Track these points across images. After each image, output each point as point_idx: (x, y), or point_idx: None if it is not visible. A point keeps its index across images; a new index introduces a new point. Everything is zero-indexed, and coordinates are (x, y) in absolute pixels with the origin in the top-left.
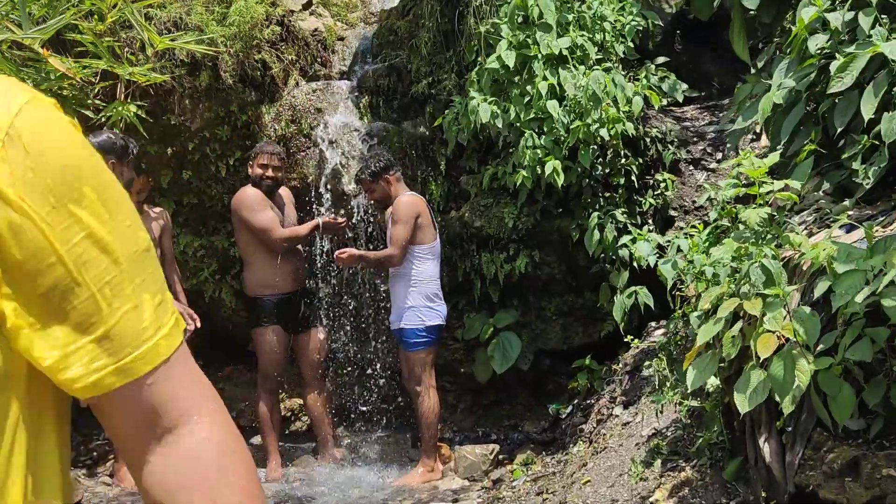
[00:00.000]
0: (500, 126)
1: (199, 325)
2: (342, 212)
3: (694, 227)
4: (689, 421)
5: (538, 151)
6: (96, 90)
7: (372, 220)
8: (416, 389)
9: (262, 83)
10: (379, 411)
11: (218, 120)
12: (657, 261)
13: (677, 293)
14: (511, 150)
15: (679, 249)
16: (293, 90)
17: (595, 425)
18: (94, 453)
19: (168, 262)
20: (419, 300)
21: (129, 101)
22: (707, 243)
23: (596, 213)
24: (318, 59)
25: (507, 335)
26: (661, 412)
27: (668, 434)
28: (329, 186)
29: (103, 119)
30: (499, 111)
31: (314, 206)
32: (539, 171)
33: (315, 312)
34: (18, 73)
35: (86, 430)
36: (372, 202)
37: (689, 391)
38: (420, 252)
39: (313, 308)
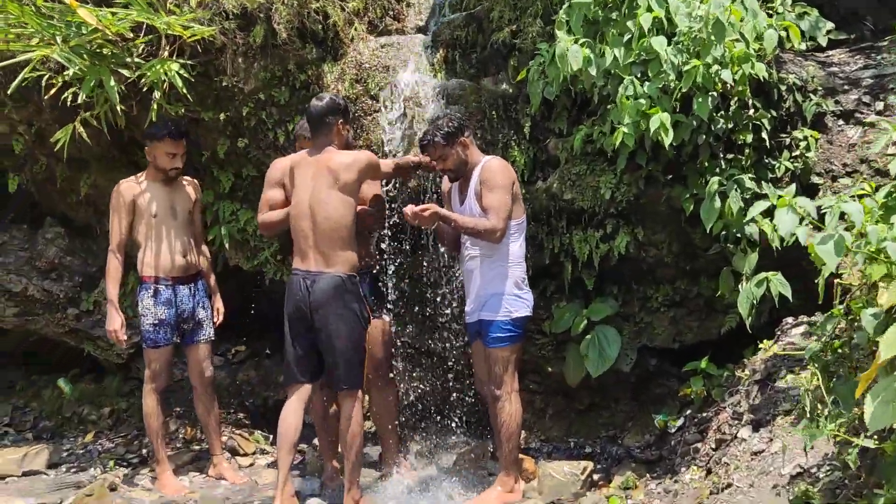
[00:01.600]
0: (594, 74)
1: (220, 318)
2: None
3: (861, 189)
4: (857, 464)
5: (641, 102)
6: (139, 47)
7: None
8: (496, 393)
9: (324, 38)
10: (452, 414)
11: (274, 81)
12: (805, 237)
13: (836, 281)
14: (609, 105)
15: (842, 217)
16: (358, 45)
17: (714, 447)
18: (144, 451)
19: (198, 240)
20: (506, 287)
21: (173, 59)
22: (884, 210)
23: (717, 179)
24: (391, 13)
25: (604, 330)
26: (811, 445)
27: (822, 477)
28: (398, 153)
29: (139, 78)
30: (593, 56)
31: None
32: (642, 128)
33: (380, 298)
34: (48, 29)
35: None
36: (442, 172)
37: (860, 424)
38: (512, 227)
39: (378, 293)
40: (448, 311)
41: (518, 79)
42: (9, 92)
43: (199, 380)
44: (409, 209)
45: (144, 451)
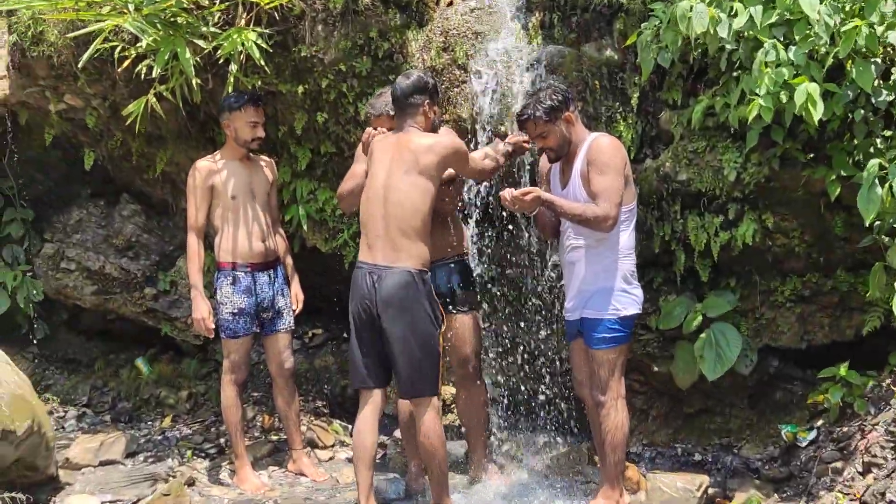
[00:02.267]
0: (725, 36)
1: (300, 306)
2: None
3: None
4: None
5: (783, 71)
6: (215, 16)
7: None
8: (600, 399)
9: (409, 2)
10: (545, 412)
11: (356, 50)
12: None
13: None
14: (735, 73)
15: None
16: (446, 10)
17: (860, 470)
18: (222, 440)
19: (276, 223)
20: (614, 281)
21: (250, 28)
22: None
23: (876, 161)
24: None
25: (722, 327)
26: None
27: None
28: (489, 129)
29: (215, 50)
30: (723, 16)
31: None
32: (783, 99)
33: (471, 289)
34: None
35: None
36: (542, 150)
37: None
38: (622, 214)
39: (470, 283)
40: (538, 302)
41: (627, 44)
42: (80, 64)
43: (279, 371)
44: (508, 193)
45: (222, 440)
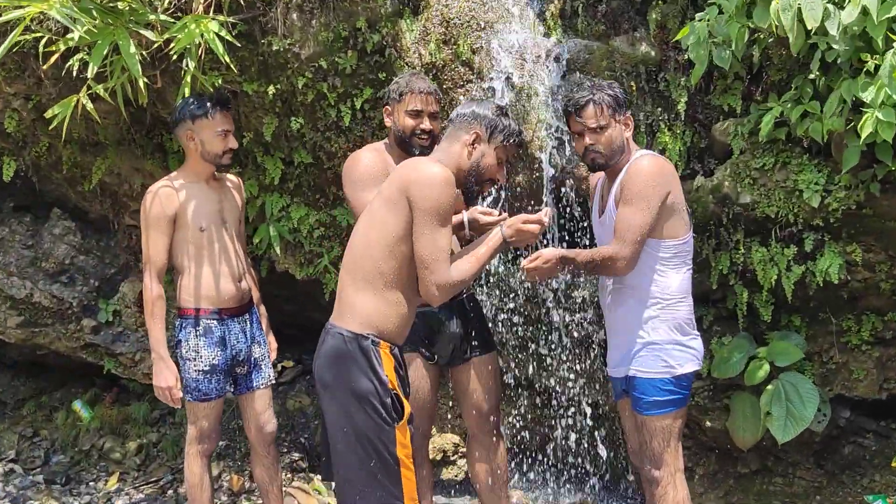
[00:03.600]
0: (834, 33)
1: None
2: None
3: None
4: None
5: None
6: (166, 1)
7: (574, 198)
8: (655, 475)
9: None
10: (573, 466)
11: (339, 43)
12: None
13: None
14: (812, 76)
15: None
16: None
17: None
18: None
19: (246, 255)
20: (665, 332)
21: (210, 17)
22: None
23: None
24: None
25: (792, 378)
26: None
27: None
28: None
29: (166, 43)
30: (832, 8)
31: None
32: None
33: (481, 333)
34: None
35: (176, 465)
36: (586, 152)
37: None
38: (668, 250)
39: (476, 326)
40: (566, 342)
41: (678, 38)
42: None
43: (260, 437)
44: (524, 265)
45: None
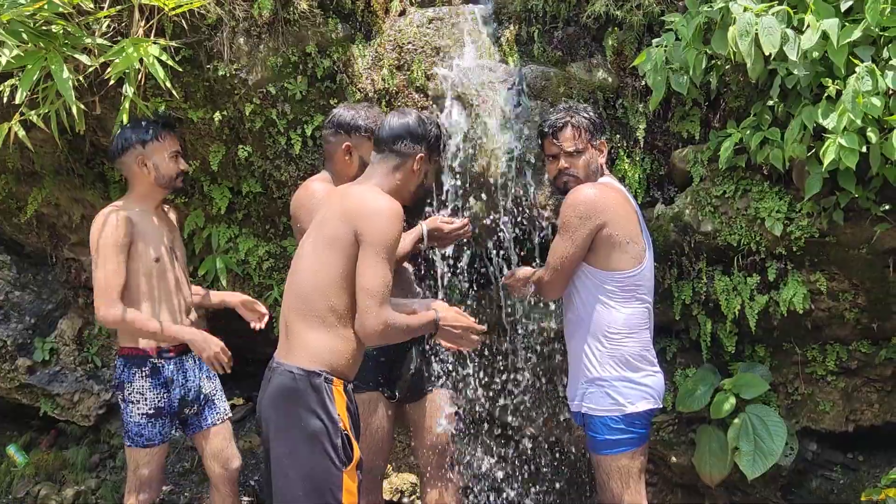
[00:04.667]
0: (794, 58)
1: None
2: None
3: None
4: None
5: (875, 103)
6: (104, 24)
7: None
8: None
9: (353, 10)
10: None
11: (288, 68)
12: None
13: None
14: (770, 103)
15: None
16: (398, 21)
17: None
18: None
19: (185, 284)
20: (611, 368)
21: (151, 40)
22: None
23: None
24: None
25: (759, 411)
26: None
27: None
28: (457, 168)
29: (104, 67)
30: (791, 33)
31: (432, 199)
32: (873, 139)
33: (431, 369)
34: None
35: None
36: (563, 177)
37: None
38: (613, 283)
39: (429, 362)
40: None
41: (636, 64)
42: None
43: (224, 476)
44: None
45: None
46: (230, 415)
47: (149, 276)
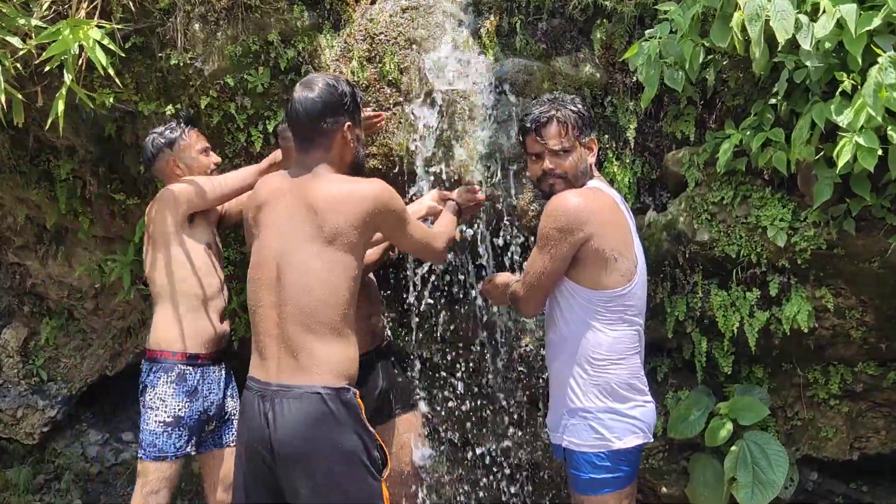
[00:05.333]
0: (807, 47)
1: None
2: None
3: None
4: None
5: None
6: (42, 4)
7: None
8: None
9: None
10: None
11: (248, 58)
12: None
13: None
14: (773, 101)
15: None
16: (370, 9)
17: None
18: None
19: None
20: (595, 398)
21: (94, 21)
22: None
23: None
24: None
25: (759, 439)
26: None
27: None
28: (430, 167)
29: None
30: (804, 20)
31: (406, 198)
32: (894, 139)
33: (405, 387)
34: None
35: None
36: (544, 176)
37: None
38: (597, 303)
39: (397, 382)
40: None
41: (625, 57)
42: None
43: (224, 500)
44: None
45: None
46: None
47: (189, 268)
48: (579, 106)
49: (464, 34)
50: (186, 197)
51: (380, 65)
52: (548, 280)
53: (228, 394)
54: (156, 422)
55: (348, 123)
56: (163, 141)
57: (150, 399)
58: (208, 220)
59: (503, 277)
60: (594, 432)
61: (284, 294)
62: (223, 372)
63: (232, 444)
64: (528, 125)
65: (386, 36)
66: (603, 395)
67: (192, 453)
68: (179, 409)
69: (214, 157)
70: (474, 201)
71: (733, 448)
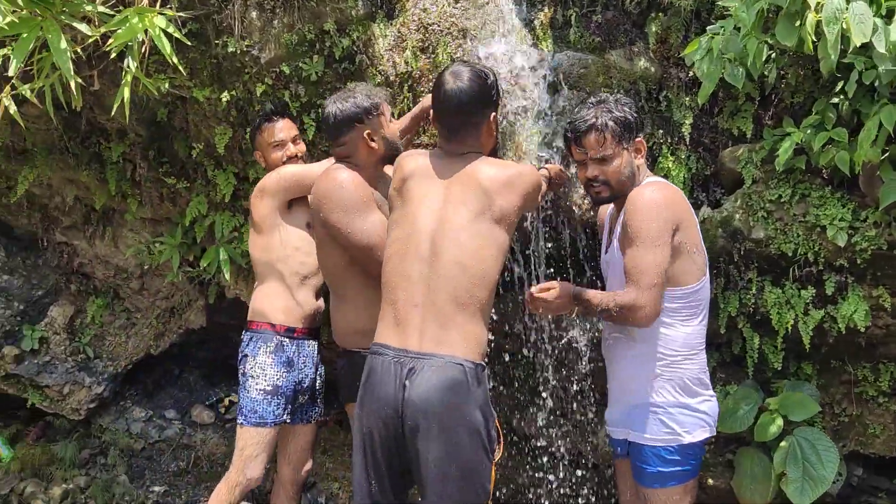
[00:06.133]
0: (883, 50)
1: None
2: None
3: None
4: None
5: None
6: None
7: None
8: None
9: None
10: None
11: (303, 47)
12: None
13: None
14: (835, 100)
15: None
16: (422, 0)
17: None
18: None
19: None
20: (669, 394)
21: (157, 10)
22: None
23: None
24: None
25: (809, 435)
26: None
27: None
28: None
29: (104, 39)
30: (879, 22)
31: None
32: None
33: None
34: None
35: None
36: (589, 184)
37: None
38: (674, 300)
39: None
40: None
41: (686, 53)
42: None
43: (294, 476)
44: (533, 291)
45: None
46: (323, 417)
47: (291, 242)
48: (626, 110)
49: (517, 26)
50: (285, 185)
51: (433, 55)
52: (663, 276)
53: (320, 371)
54: (256, 389)
55: (494, 114)
56: (251, 136)
57: (251, 367)
58: (306, 201)
59: (566, 287)
60: (665, 427)
61: (439, 268)
62: (316, 348)
63: (312, 422)
64: (569, 134)
65: (439, 26)
66: (676, 391)
67: (288, 422)
68: (278, 379)
69: (290, 150)
70: (562, 178)
71: (783, 444)
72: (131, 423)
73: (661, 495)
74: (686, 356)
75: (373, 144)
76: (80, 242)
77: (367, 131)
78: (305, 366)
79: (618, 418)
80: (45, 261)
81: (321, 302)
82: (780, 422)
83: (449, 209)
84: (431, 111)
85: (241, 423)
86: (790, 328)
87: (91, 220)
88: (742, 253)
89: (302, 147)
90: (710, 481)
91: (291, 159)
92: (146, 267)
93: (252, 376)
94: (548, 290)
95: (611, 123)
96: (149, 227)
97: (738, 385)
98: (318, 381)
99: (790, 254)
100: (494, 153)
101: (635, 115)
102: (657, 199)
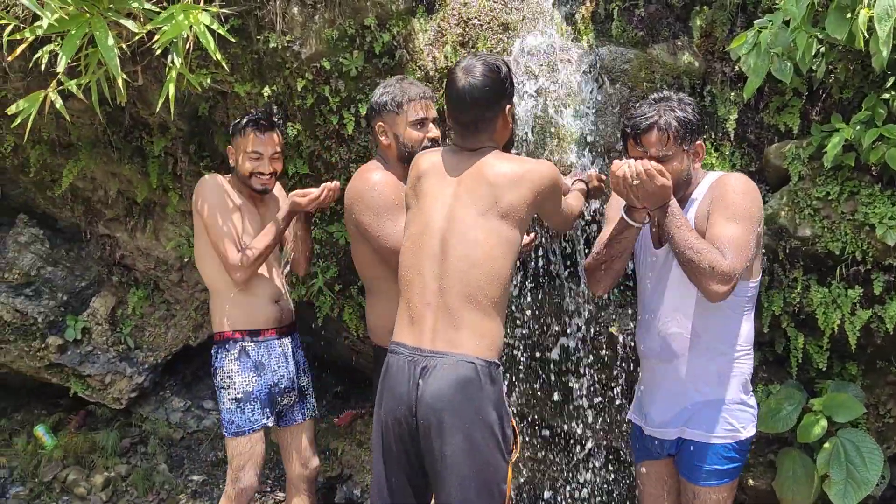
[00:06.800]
0: None
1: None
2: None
3: None
4: None
5: None
6: None
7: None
8: None
9: None
10: None
11: (344, 42)
12: None
13: None
14: (891, 96)
15: None
16: None
17: None
18: None
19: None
20: (733, 390)
21: (200, 7)
22: None
23: None
24: None
25: (853, 437)
26: None
27: None
28: (524, 155)
29: (149, 36)
30: None
31: None
32: None
33: None
34: None
35: None
36: (653, 181)
37: None
38: (745, 293)
39: None
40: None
41: (733, 47)
42: None
43: (302, 475)
44: (630, 167)
45: None
46: (317, 413)
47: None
48: (688, 110)
49: (558, 19)
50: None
51: (473, 49)
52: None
53: (303, 369)
54: (228, 399)
55: (508, 105)
56: (231, 129)
57: (221, 379)
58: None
59: (671, 193)
60: (726, 423)
61: (449, 266)
62: (290, 346)
63: (307, 419)
64: (629, 130)
65: (479, 20)
66: (739, 386)
67: (270, 426)
68: (247, 385)
69: (263, 167)
70: (600, 188)
71: (826, 445)
72: (170, 412)
73: (712, 494)
74: (747, 351)
75: (383, 139)
76: (121, 235)
77: (380, 123)
78: (280, 366)
79: (670, 418)
80: (88, 253)
81: (285, 302)
82: (823, 423)
83: (458, 207)
84: (445, 108)
85: (225, 436)
86: (837, 328)
87: (133, 213)
88: (787, 251)
89: (278, 165)
90: (751, 482)
91: (259, 175)
92: (186, 259)
93: (223, 387)
94: (662, 173)
95: (674, 123)
96: (189, 220)
97: (780, 384)
98: (305, 380)
99: (837, 252)
100: (511, 144)
101: (698, 116)
102: (752, 186)
